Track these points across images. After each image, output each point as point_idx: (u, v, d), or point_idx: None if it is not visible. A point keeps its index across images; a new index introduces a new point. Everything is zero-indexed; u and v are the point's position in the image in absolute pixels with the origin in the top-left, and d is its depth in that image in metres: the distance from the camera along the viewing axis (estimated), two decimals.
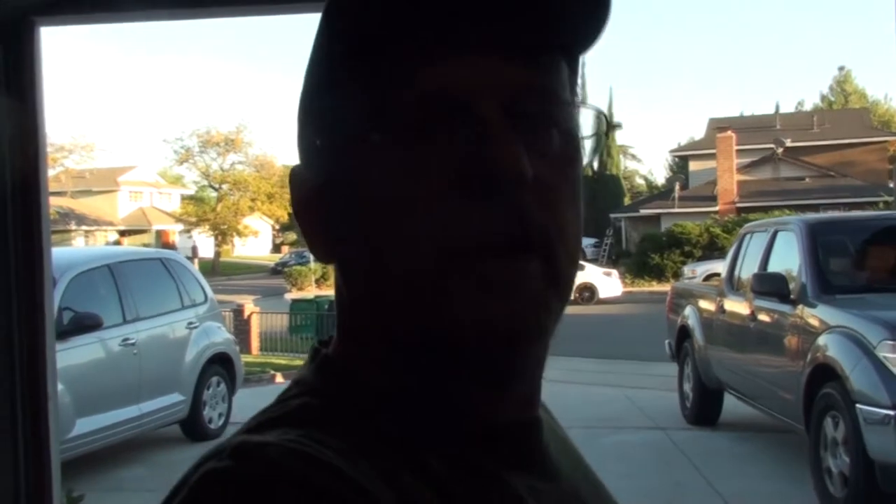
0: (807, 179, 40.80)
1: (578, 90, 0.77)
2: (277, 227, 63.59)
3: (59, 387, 7.07)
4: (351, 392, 0.74)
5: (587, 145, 0.75)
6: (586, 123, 0.75)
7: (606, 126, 0.76)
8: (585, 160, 0.74)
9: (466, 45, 0.68)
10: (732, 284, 9.56)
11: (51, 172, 41.70)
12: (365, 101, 0.69)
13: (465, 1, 0.67)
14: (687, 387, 10.46)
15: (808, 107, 66.43)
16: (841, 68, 70.92)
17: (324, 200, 0.74)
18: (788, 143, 42.22)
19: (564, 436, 0.90)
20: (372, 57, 0.69)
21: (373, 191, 0.69)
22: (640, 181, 72.58)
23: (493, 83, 0.68)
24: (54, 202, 46.08)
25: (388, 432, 0.70)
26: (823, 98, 69.34)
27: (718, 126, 44.88)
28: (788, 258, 8.25)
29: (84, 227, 52.37)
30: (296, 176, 0.78)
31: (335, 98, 0.72)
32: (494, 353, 0.69)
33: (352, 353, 0.76)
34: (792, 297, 7.77)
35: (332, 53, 0.73)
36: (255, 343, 18.85)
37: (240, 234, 51.67)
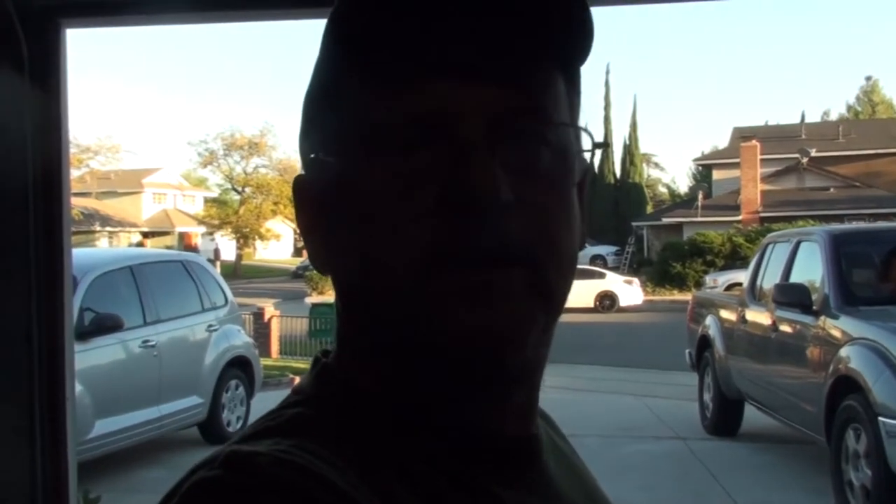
0: (832, 190, 40.55)
1: (579, 103, 0.78)
2: (299, 231, 63.67)
3: (80, 388, 7.14)
4: (345, 402, 0.74)
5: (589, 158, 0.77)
6: (583, 138, 0.76)
7: (593, 144, 0.77)
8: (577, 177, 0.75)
9: (450, 67, 0.68)
10: (754, 294, 9.51)
11: (76, 173, 42.00)
12: (354, 118, 0.71)
13: (448, 24, 0.68)
14: (707, 397, 10.40)
15: (833, 116, 66.12)
16: (868, 78, 70.59)
17: (320, 212, 0.76)
18: (813, 153, 41.96)
19: (569, 451, 0.90)
20: (361, 75, 0.71)
21: (361, 205, 0.70)
22: (662, 189, 72.40)
23: (476, 104, 0.68)
24: (79, 203, 46.41)
25: (381, 443, 0.71)
26: (850, 108, 68.94)
27: (743, 135, 44.68)
28: (811, 269, 8.20)
29: (108, 228, 52.70)
30: (298, 185, 0.79)
31: (328, 113, 0.74)
32: (476, 361, 0.69)
33: (348, 363, 0.77)
34: (814, 308, 7.72)
35: (327, 69, 0.75)
36: (274, 346, 18.90)
37: (262, 237, 51.85)
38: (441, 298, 0.67)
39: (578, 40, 0.72)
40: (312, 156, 0.77)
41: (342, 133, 0.72)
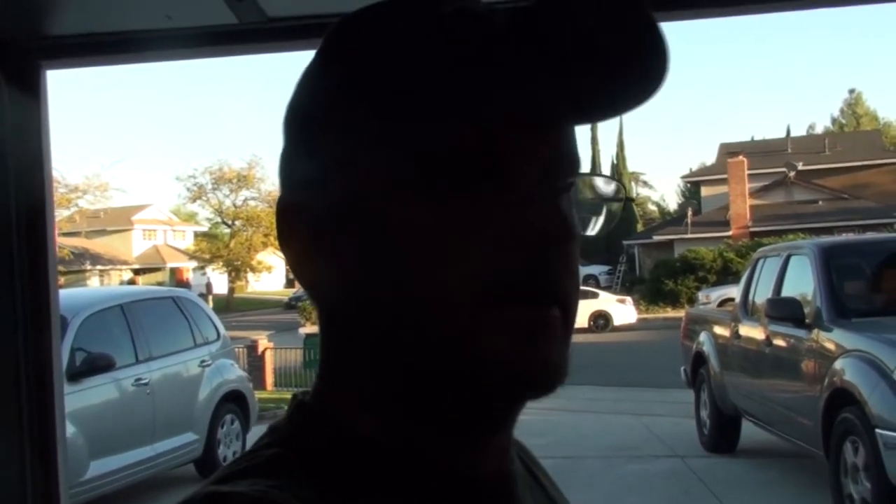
0: (820, 202, 40.73)
1: None
2: (286, 257, 63.65)
3: (73, 429, 7.10)
4: (324, 440, 0.72)
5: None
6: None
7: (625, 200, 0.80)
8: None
9: (515, 112, 0.68)
10: (747, 310, 9.52)
11: (65, 213, 41.91)
12: (400, 148, 0.69)
13: (520, 73, 0.68)
14: (704, 414, 10.39)
15: (819, 130, 66.52)
16: (851, 91, 71.17)
17: (337, 237, 0.72)
18: (800, 167, 42.19)
19: (545, 480, 0.89)
20: (403, 106, 0.69)
21: (407, 236, 0.68)
22: (652, 207, 72.61)
23: (534, 149, 0.69)
24: (69, 242, 46.30)
25: (361, 483, 0.70)
26: (835, 121, 69.46)
27: (730, 151, 44.94)
28: (802, 282, 8.21)
29: (99, 267, 52.62)
30: (288, 208, 0.75)
31: (360, 139, 0.71)
32: (520, 399, 0.71)
33: (331, 398, 0.75)
34: (807, 321, 7.72)
35: (354, 93, 0.72)
36: (269, 378, 18.83)
37: (253, 269, 51.78)
38: (499, 333, 0.67)
39: (646, 92, 0.72)
40: (333, 178, 0.72)
41: (377, 160, 0.70)
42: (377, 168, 0.70)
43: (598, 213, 0.77)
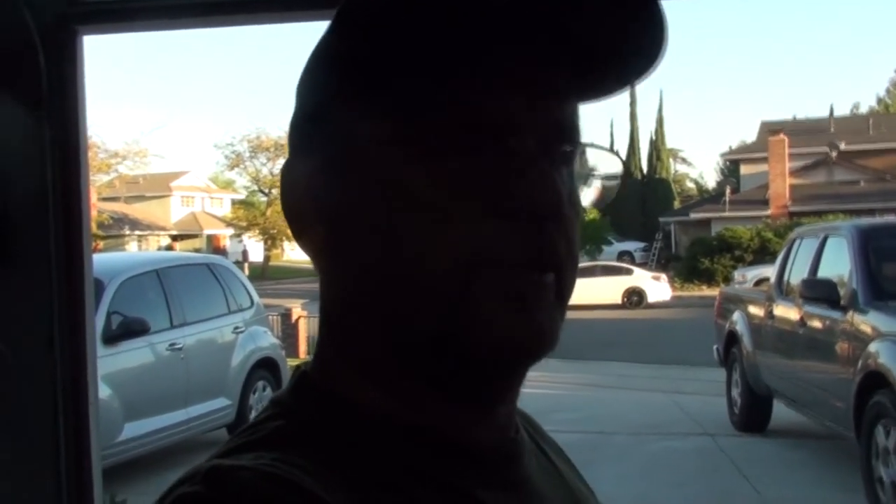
0: (861, 183, 40.16)
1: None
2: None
3: (108, 391, 7.19)
4: (327, 412, 0.73)
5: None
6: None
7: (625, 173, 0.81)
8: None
9: (515, 79, 0.69)
10: (782, 290, 9.45)
11: (105, 178, 42.22)
12: (398, 116, 0.69)
13: (518, 39, 0.69)
14: (735, 393, 10.35)
15: (863, 110, 65.48)
16: None
17: (336, 202, 0.73)
18: (843, 147, 41.59)
19: (553, 452, 0.89)
20: (407, 72, 0.69)
21: (402, 203, 0.69)
22: (690, 185, 72.01)
23: (535, 117, 0.70)
24: (108, 207, 46.73)
25: (364, 454, 0.70)
26: (880, 101, 68.29)
27: (771, 129, 44.32)
28: (839, 263, 8.13)
29: (137, 232, 53.07)
30: (291, 168, 0.76)
31: (361, 104, 0.71)
32: (511, 363, 0.70)
33: (333, 369, 0.76)
34: (842, 302, 7.66)
35: (361, 58, 0.72)
36: (302, 346, 18.97)
37: (289, 238, 51.82)
38: (488, 297, 0.68)
39: (649, 61, 0.74)
40: (335, 143, 0.73)
41: (378, 125, 0.70)
42: (375, 133, 0.70)
43: (588, 186, 0.77)
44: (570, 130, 0.73)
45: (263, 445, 0.68)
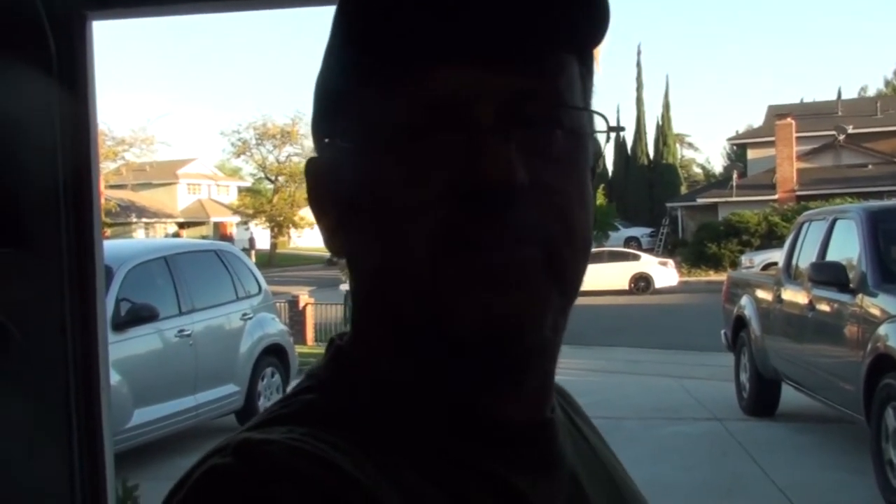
0: (869, 167, 40.02)
1: (592, 84, 0.77)
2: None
3: (118, 377, 7.21)
4: (359, 387, 0.74)
5: (600, 140, 0.76)
6: (597, 120, 0.76)
7: (609, 128, 0.77)
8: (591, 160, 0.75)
9: (459, 52, 0.68)
10: (790, 274, 9.43)
11: (112, 165, 42.31)
12: (365, 105, 0.71)
13: (457, 8, 0.67)
14: (743, 377, 10.35)
15: (871, 92, 65.17)
16: None
17: (333, 197, 0.75)
18: (850, 130, 41.43)
19: (589, 431, 0.89)
20: (371, 63, 0.70)
21: (374, 191, 0.70)
22: (697, 170, 71.87)
23: (489, 88, 0.68)
24: (115, 195, 46.83)
25: (395, 429, 0.70)
26: (888, 83, 67.96)
27: (778, 113, 44.15)
28: (848, 247, 8.11)
29: (144, 220, 53.18)
30: (311, 169, 0.79)
31: (340, 99, 0.73)
32: (492, 342, 0.69)
33: (363, 348, 0.76)
34: (851, 286, 7.65)
35: (337, 56, 0.74)
36: (310, 334, 19.02)
37: (296, 225, 52.03)
38: (455, 281, 0.67)
39: (592, 22, 0.71)
40: (326, 140, 0.76)
41: (354, 120, 0.72)
42: (347, 123, 0.72)
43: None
44: (539, 95, 0.70)
45: (295, 419, 0.69)
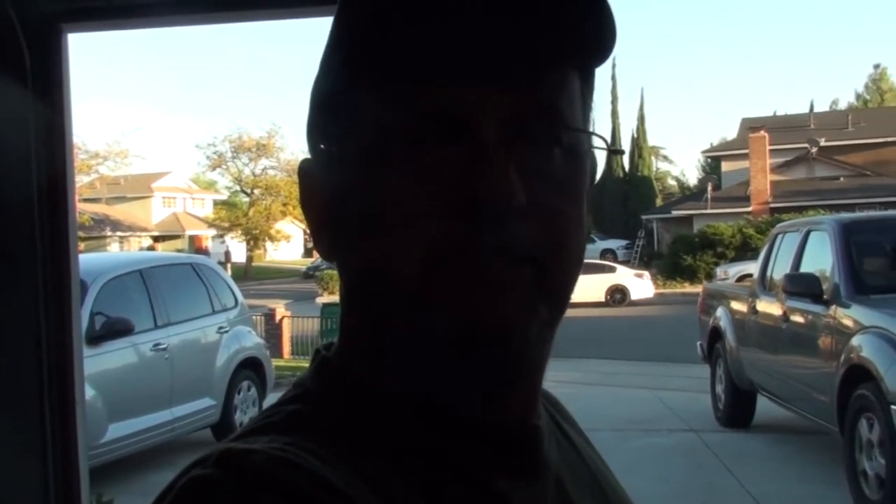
0: (842, 179, 40.38)
1: (593, 102, 0.78)
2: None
3: (92, 392, 7.15)
4: (344, 396, 0.74)
5: (598, 157, 0.77)
6: (594, 139, 0.76)
7: (609, 151, 0.78)
8: (589, 178, 0.76)
9: (464, 70, 0.68)
10: (765, 285, 9.49)
11: (86, 179, 42.06)
12: (367, 114, 0.70)
13: (463, 26, 0.67)
14: (719, 388, 10.39)
15: (842, 105, 65.81)
16: (876, 66, 70.20)
17: (326, 202, 0.75)
18: (823, 143, 41.80)
19: (577, 437, 0.89)
20: (373, 74, 0.70)
21: (371, 199, 0.70)
22: (672, 182, 72.22)
23: (492, 106, 0.68)
24: (89, 208, 46.52)
25: (380, 437, 0.70)
26: (858, 96, 68.61)
27: (751, 126, 44.49)
28: (821, 258, 8.17)
29: (119, 233, 52.89)
30: (304, 170, 0.79)
31: (339, 107, 0.73)
32: (479, 344, 0.69)
33: (351, 356, 0.77)
34: (825, 297, 7.70)
35: (336, 63, 0.74)
36: (286, 347, 18.95)
37: (272, 238, 51.95)
38: (446, 288, 0.67)
39: (599, 43, 0.72)
40: (322, 146, 0.76)
41: (351, 127, 0.72)
42: (346, 130, 0.72)
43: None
44: (546, 113, 0.70)
45: (279, 429, 0.69)
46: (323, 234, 0.77)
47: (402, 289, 0.69)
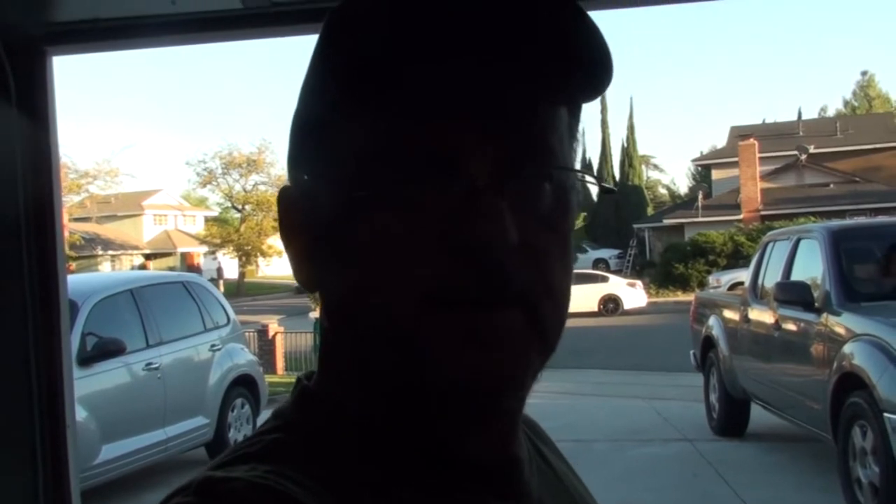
0: (831, 186, 40.52)
1: (579, 135, 0.77)
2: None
3: (85, 413, 7.11)
4: (325, 426, 0.73)
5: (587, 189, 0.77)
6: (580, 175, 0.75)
7: (601, 190, 0.80)
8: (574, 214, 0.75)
9: (456, 110, 0.67)
10: (756, 293, 9.50)
11: (76, 198, 42.04)
12: (355, 148, 0.69)
13: (456, 65, 0.67)
14: (713, 397, 10.39)
15: (831, 112, 66.07)
16: (864, 73, 70.64)
17: (308, 232, 0.74)
18: (812, 150, 41.96)
19: (556, 461, 0.89)
20: (362, 109, 0.69)
21: (358, 235, 0.69)
22: (662, 191, 72.40)
23: (484, 144, 0.67)
24: (80, 228, 46.45)
25: (361, 467, 0.70)
26: (847, 103, 68.96)
27: (741, 134, 44.64)
28: (812, 266, 8.18)
29: (110, 252, 52.75)
30: (285, 198, 0.78)
31: (326, 139, 0.72)
32: (472, 401, 0.69)
33: (330, 385, 0.76)
34: (816, 305, 7.71)
35: (321, 92, 0.73)
36: (279, 363, 18.88)
37: (264, 254, 51.83)
38: (440, 337, 0.66)
39: (594, 81, 0.71)
40: (306, 177, 0.75)
41: (341, 160, 0.70)
42: (336, 168, 0.71)
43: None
44: (537, 151, 0.70)
45: (259, 457, 0.69)
46: (304, 265, 0.76)
47: (393, 331, 0.68)
